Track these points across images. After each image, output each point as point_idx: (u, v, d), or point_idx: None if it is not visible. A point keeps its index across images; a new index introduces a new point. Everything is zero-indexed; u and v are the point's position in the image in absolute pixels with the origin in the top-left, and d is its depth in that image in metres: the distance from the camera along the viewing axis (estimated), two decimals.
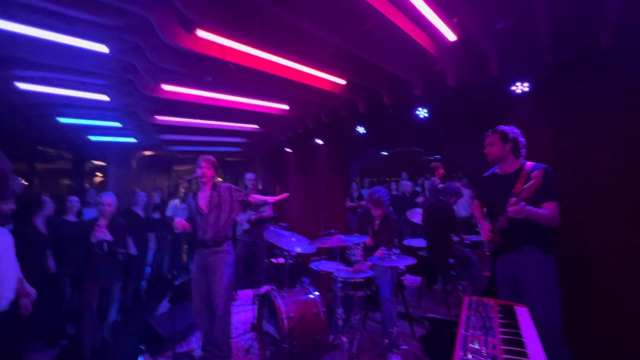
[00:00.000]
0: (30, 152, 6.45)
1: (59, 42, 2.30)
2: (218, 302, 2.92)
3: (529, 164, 2.22)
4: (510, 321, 1.67)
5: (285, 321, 2.66)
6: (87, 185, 8.40)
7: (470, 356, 1.34)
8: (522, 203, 2.01)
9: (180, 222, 3.03)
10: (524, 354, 1.35)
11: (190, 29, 2.15)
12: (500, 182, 2.30)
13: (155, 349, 3.24)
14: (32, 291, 2.46)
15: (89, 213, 4.48)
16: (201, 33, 2.20)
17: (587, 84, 2.59)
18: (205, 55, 2.44)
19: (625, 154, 2.46)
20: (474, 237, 4.76)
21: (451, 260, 4.03)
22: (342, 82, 3.41)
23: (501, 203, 2.16)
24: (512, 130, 2.26)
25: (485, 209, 2.53)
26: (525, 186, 2.01)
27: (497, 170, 2.36)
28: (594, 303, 2.56)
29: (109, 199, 3.43)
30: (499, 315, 1.73)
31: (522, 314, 1.76)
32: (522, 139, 2.25)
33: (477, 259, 4.17)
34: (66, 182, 8.07)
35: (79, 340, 3.24)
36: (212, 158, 3.06)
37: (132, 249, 3.84)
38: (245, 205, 3.27)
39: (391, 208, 7.00)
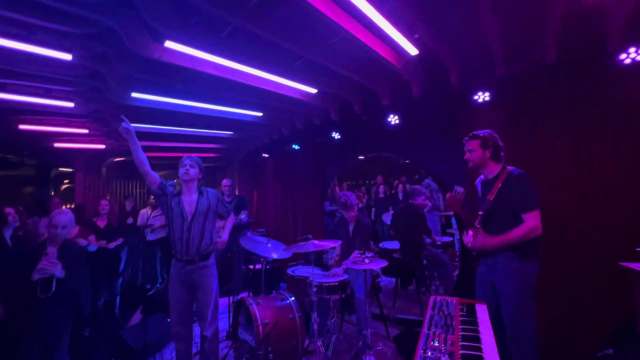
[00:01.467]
0: None
1: (19, 49, 2.22)
2: (207, 322, 2.60)
3: (510, 168, 2.19)
4: (470, 318, 1.77)
5: (260, 327, 2.67)
6: (52, 193, 8.00)
7: (430, 353, 1.42)
8: (480, 236, 2.06)
9: None
10: (479, 349, 1.45)
11: (159, 39, 2.15)
12: (483, 189, 2.29)
13: None
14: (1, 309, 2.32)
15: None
16: (170, 44, 2.20)
17: (537, 95, 2.80)
18: (175, 65, 2.44)
19: (574, 157, 2.67)
20: (445, 238, 4.96)
21: (424, 262, 4.18)
22: (313, 91, 3.48)
23: (478, 209, 2.19)
24: (491, 135, 2.23)
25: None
26: (489, 197, 2.05)
27: (482, 177, 2.34)
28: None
29: (63, 219, 2.50)
30: (461, 313, 1.84)
31: (482, 311, 1.87)
32: (500, 144, 2.23)
33: (448, 260, 4.35)
34: (29, 190, 7.65)
35: None
36: (197, 158, 2.72)
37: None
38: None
39: (374, 210, 7.19)
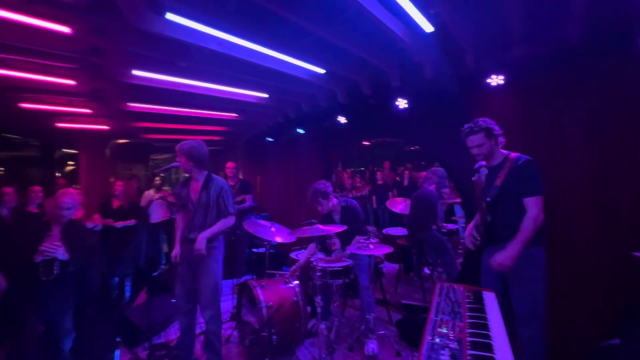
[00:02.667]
0: None
1: (16, 20, 2.13)
2: (207, 301, 2.66)
3: (514, 155, 2.15)
4: (478, 306, 1.75)
5: (264, 310, 2.69)
6: (57, 174, 8.02)
7: (438, 340, 1.40)
8: (503, 259, 2.00)
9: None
10: (488, 337, 1.42)
11: (160, 11, 2.05)
12: (488, 175, 2.25)
13: (132, 341, 3.20)
14: (3, 281, 2.33)
15: None
16: (171, 16, 2.10)
17: (555, 78, 2.68)
18: (177, 40, 2.34)
19: (591, 146, 2.57)
20: (449, 226, 4.92)
21: (426, 246, 4.17)
22: (321, 71, 3.37)
23: (485, 196, 2.15)
24: (491, 123, 2.16)
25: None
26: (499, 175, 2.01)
27: (486, 165, 2.30)
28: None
29: (67, 200, 2.43)
30: (468, 300, 1.81)
31: (489, 299, 1.84)
32: (498, 129, 2.17)
33: (451, 248, 4.32)
34: (34, 170, 7.68)
35: None
36: (190, 147, 2.60)
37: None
38: None
39: (374, 197, 7.14)
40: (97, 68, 3.00)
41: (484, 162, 2.31)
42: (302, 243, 4.91)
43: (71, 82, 3.39)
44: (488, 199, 2.15)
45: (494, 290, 2.10)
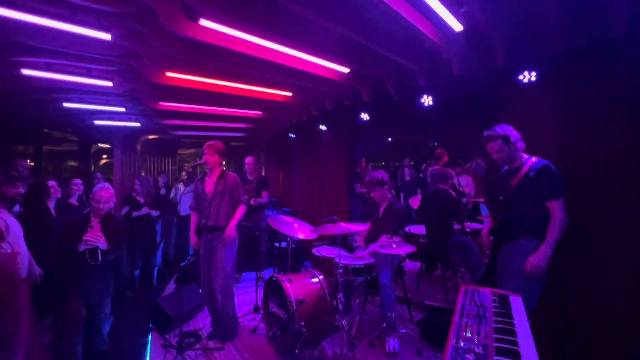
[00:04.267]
0: (36, 135, 6.54)
1: (62, 29, 2.29)
2: (217, 284, 3.08)
3: (533, 159, 2.22)
4: (504, 310, 1.73)
5: (294, 304, 2.77)
6: (93, 167, 8.52)
7: (462, 344, 1.40)
8: (533, 265, 2.04)
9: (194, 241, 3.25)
10: (515, 343, 1.41)
11: (193, 17, 2.14)
12: (505, 178, 2.34)
13: (163, 327, 3.39)
14: (38, 270, 2.57)
15: None
16: (204, 22, 2.18)
17: (596, 75, 2.54)
18: (208, 43, 2.43)
19: (633, 147, 2.43)
20: (474, 225, 4.81)
21: (451, 248, 4.10)
22: (346, 70, 3.37)
23: (498, 195, 2.26)
24: (508, 129, 2.23)
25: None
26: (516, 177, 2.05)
27: (506, 167, 2.40)
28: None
29: (105, 194, 2.65)
30: (494, 304, 1.79)
31: (516, 303, 1.81)
32: (516, 134, 2.24)
33: (476, 247, 4.23)
34: (72, 163, 8.19)
35: None
36: (216, 144, 3.10)
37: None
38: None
39: (402, 194, 7.07)
40: (133, 70, 3.17)
41: (505, 168, 2.39)
42: (323, 239, 4.98)
43: (109, 83, 3.60)
44: (501, 198, 2.28)
45: (511, 288, 2.13)
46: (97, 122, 5.49)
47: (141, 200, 4.74)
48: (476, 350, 1.35)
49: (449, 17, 2.22)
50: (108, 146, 8.24)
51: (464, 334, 1.48)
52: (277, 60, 2.87)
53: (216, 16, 2.19)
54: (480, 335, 1.46)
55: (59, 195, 3.54)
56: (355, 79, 3.73)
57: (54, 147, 7.77)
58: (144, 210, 4.69)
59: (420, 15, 2.28)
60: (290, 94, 4.37)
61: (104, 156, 9.40)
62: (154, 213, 4.82)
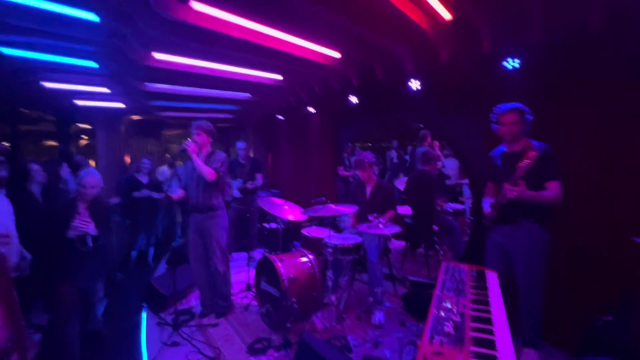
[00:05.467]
0: (12, 114, 6.25)
1: (48, 10, 2.21)
2: (217, 262, 3.21)
3: (535, 142, 2.28)
4: (481, 284, 1.90)
5: (286, 282, 2.91)
6: (73, 148, 8.25)
7: (442, 313, 1.56)
8: (522, 187, 2.13)
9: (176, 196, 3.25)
10: (488, 312, 1.58)
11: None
12: (508, 160, 2.37)
13: (158, 306, 3.49)
14: (28, 255, 2.58)
15: None
16: (195, 4, 2.15)
17: (572, 64, 2.67)
18: (198, 26, 2.39)
19: (602, 137, 2.60)
20: (456, 206, 5.04)
21: (435, 228, 4.31)
22: (337, 55, 3.37)
23: (507, 180, 2.27)
24: (526, 108, 2.29)
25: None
26: (521, 165, 2.12)
27: (505, 149, 2.44)
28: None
29: (92, 180, 2.63)
30: (471, 278, 1.97)
31: (491, 277, 1.99)
32: (532, 118, 2.30)
33: (458, 226, 4.47)
34: (51, 143, 7.91)
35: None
36: (204, 124, 3.09)
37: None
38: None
39: (387, 175, 7.22)
40: (118, 50, 3.07)
41: (503, 147, 2.43)
42: (312, 220, 5.11)
43: (93, 63, 3.47)
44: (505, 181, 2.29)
45: (498, 267, 2.33)
46: (78, 102, 5.30)
47: (144, 180, 4.77)
48: (454, 318, 1.51)
49: (438, 5, 2.27)
50: (88, 127, 7.97)
51: (444, 304, 1.64)
52: (268, 43, 2.85)
53: None
54: (459, 305, 1.63)
55: (43, 180, 3.46)
56: (345, 64, 3.74)
57: (30, 127, 7.46)
58: (145, 192, 4.75)
59: (410, 2, 2.31)
60: (280, 77, 4.34)
61: (84, 136, 9.09)
62: (156, 195, 4.87)
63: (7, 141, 6.23)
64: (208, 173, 2.99)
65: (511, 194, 2.19)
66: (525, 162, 2.13)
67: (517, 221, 2.33)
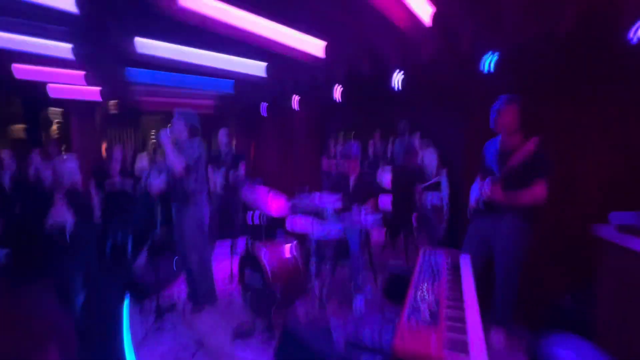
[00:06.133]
0: None
1: None
2: (190, 255, 3.17)
3: (529, 140, 2.31)
4: (455, 268, 2.04)
5: (269, 270, 2.96)
6: (44, 134, 7.85)
7: (419, 295, 1.68)
8: (497, 190, 2.20)
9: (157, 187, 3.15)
10: (461, 293, 1.71)
11: None
12: (502, 154, 2.40)
13: (140, 295, 3.47)
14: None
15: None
16: None
17: (544, 65, 2.81)
18: (183, 9, 2.33)
19: (571, 132, 2.78)
20: (435, 202, 5.22)
21: (414, 221, 4.48)
22: (321, 43, 3.38)
23: (494, 171, 2.35)
24: (526, 102, 2.31)
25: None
26: (516, 155, 2.16)
27: (500, 143, 2.46)
28: None
29: (67, 167, 2.60)
30: (447, 263, 2.10)
31: (464, 261, 2.13)
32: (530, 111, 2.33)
33: (435, 218, 4.66)
34: (18, 127, 7.48)
35: None
36: (185, 110, 2.99)
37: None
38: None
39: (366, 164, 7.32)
40: (96, 32, 2.95)
41: (496, 143, 2.47)
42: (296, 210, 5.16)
43: (68, 45, 3.31)
44: (497, 175, 2.37)
45: (476, 252, 2.45)
46: (51, 85, 5.04)
47: (116, 169, 4.61)
48: (430, 299, 1.63)
49: (420, 6, 2.32)
50: (59, 110, 7.58)
51: (421, 287, 1.76)
52: (253, 30, 2.82)
53: None
54: (434, 287, 1.75)
55: (13, 168, 3.30)
56: (330, 55, 3.75)
57: None
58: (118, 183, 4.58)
59: (393, 1, 2.35)
60: (264, 63, 4.30)
61: (55, 120, 8.64)
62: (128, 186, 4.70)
63: None
64: (175, 162, 2.89)
65: (486, 196, 2.28)
66: (520, 153, 2.15)
67: (501, 213, 2.39)
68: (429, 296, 1.66)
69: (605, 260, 2.19)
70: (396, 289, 3.57)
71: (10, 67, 3.91)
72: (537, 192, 2.25)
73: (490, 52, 2.94)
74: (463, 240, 2.72)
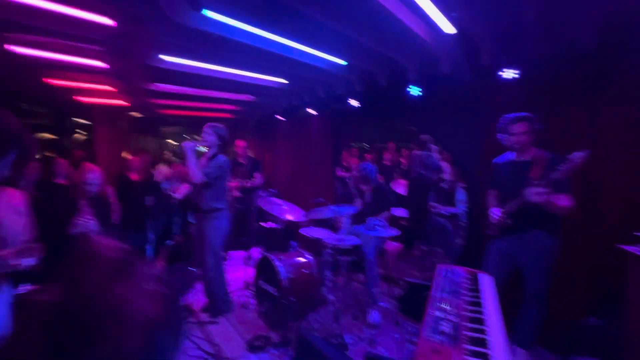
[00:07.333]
0: (12, 108, 6.24)
1: (62, 13, 2.24)
2: (207, 263, 3.21)
3: (546, 153, 2.29)
4: (475, 287, 2.00)
5: (285, 281, 2.98)
6: (69, 143, 8.21)
7: (439, 314, 1.66)
8: (549, 190, 2.09)
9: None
10: (482, 313, 1.68)
11: (196, 7, 2.15)
12: (517, 169, 2.36)
13: None
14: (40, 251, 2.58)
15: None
16: (207, 12, 2.21)
17: (566, 78, 2.78)
18: (210, 33, 2.45)
19: (588, 145, 2.72)
20: (451, 209, 5.16)
21: (428, 229, 4.42)
22: (341, 62, 3.45)
23: (516, 189, 2.25)
24: (536, 117, 2.28)
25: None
26: (563, 167, 2.06)
27: (514, 157, 2.43)
28: None
29: (92, 177, 2.67)
30: (466, 281, 2.06)
31: (486, 281, 2.09)
32: (540, 126, 2.30)
33: (451, 228, 4.59)
34: (48, 136, 7.87)
35: None
36: (219, 126, 3.05)
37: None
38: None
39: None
40: (126, 51, 3.11)
41: (512, 156, 2.43)
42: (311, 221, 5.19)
43: (99, 62, 3.50)
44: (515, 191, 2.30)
45: (499, 272, 2.41)
46: (78, 98, 5.30)
47: (134, 178, 4.74)
48: (450, 318, 1.60)
49: (441, 19, 2.35)
50: (85, 121, 7.93)
51: (441, 305, 1.74)
52: (273, 49, 2.92)
53: (217, 7, 2.22)
54: (455, 307, 1.72)
55: (35, 177, 3.42)
56: (348, 70, 3.82)
57: (27, 120, 7.42)
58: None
59: (411, 14, 2.39)
60: (285, 80, 4.41)
61: (81, 130, 9.03)
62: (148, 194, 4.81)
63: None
64: (194, 174, 2.94)
65: (537, 198, 2.15)
66: (566, 166, 2.06)
67: (527, 231, 2.33)
68: (448, 315, 1.63)
69: (636, 278, 2.11)
70: (412, 303, 3.52)
71: (42, 79, 4.13)
72: (569, 204, 2.18)
73: (511, 66, 2.92)
74: (481, 256, 2.67)
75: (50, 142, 7.68)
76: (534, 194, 2.14)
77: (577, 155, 2.04)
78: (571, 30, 2.54)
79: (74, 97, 5.21)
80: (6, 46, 2.95)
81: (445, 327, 1.52)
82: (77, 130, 8.93)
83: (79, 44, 3.07)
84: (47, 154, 5.64)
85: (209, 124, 3.05)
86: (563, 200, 2.18)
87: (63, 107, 6.23)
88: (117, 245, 0.54)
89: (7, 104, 6.20)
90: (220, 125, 3.06)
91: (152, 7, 2.17)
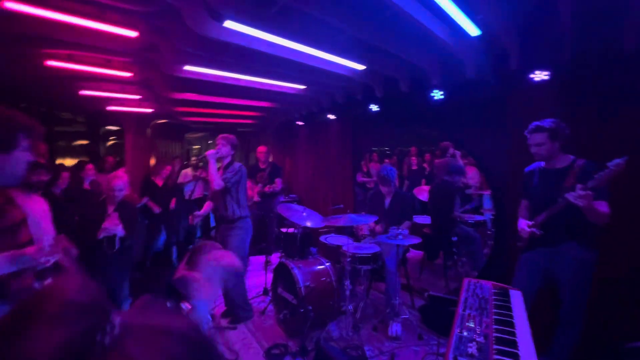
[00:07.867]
0: (48, 117, 6.70)
1: (91, 28, 2.37)
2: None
3: (581, 160, 2.18)
4: (504, 303, 1.88)
5: (303, 289, 2.95)
6: (102, 148, 8.66)
7: (465, 333, 1.56)
8: (590, 194, 1.94)
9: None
10: (513, 333, 1.57)
11: (218, 18, 2.20)
12: (547, 177, 2.27)
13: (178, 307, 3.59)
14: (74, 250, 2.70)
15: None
16: (229, 23, 2.24)
17: (602, 84, 2.59)
18: (229, 42, 2.50)
19: (632, 149, 2.51)
20: (477, 217, 4.96)
21: (454, 238, 4.26)
22: (360, 67, 3.42)
23: (547, 198, 2.17)
24: (558, 124, 2.17)
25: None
26: (602, 174, 1.94)
27: (544, 165, 2.33)
28: None
29: (119, 183, 2.74)
30: (494, 297, 1.94)
31: (515, 296, 1.97)
32: (565, 133, 2.18)
33: (479, 238, 4.40)
34: (82, 142, 8.35)
35: None
36: (230, 136, 3.21)
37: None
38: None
39: (407, 183, 7.16)
40: (151, 62, 3.24)
41: (541, 163, 2.33)
42: (330, 228, 5.15)
43: (128, 74, 3.67)
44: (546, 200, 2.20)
45: (531, 287, 2.27)
46: (109, 107, 5.58)
47: (159, 184, 4.92)
48: (478, 339, 1.51)
49: (466, 22, 2.27)
50: (116, 128, 8.35)
51: (467, 324, 1.64)
52: (293, 57, 2.93)
53: (237, 17, 2.25)
54: (482, 325, 1.62)
55: (65, 185, 3.57)
56: (368, 76, 3.79)
57: (63, 128, 7.92)
58: (143, 200, 4.69)
59: (435, 17, 2.32)
60: (303, 86, 4.43)
61: (112, 137, 9.51)
62: (156, 210, 4.81)
63: (45, 142, 6.62)
64: (215, 181, 3.05)
65: (581, 201, 1.99)
66: (606, 172, 1.93)
67: (558, 243, 2.22)
68: (476, 335, 1.54)
69: None
70: (436, 316, 3.39)
71: (76, 90, 4.38)
72: (607, 212, 2.05)
73: (540, 70, 2.76)
74: (507, 268, 2.52)
75: (85, 147, 8.16)
76: (579, 197, 1.99)
77: (616, 163, 1.91)
78: (610, 31, 2.37)
79: (105, 106, 5.49)
80: (45, 61, 3.15)
81: (473, 349, 1.43)
82: (111, 137, 9.43)
83: (109, 57, 3.23)
84: (82, 159, 5.98)
85: (222, 135, 3.18)
86: (603, 207, 2.04)
87: (96, 115, 6.58)
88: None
89: (47, 113, 6.65)
90: (232, 136, 3.21)
91: (175, 21, 2.24)
